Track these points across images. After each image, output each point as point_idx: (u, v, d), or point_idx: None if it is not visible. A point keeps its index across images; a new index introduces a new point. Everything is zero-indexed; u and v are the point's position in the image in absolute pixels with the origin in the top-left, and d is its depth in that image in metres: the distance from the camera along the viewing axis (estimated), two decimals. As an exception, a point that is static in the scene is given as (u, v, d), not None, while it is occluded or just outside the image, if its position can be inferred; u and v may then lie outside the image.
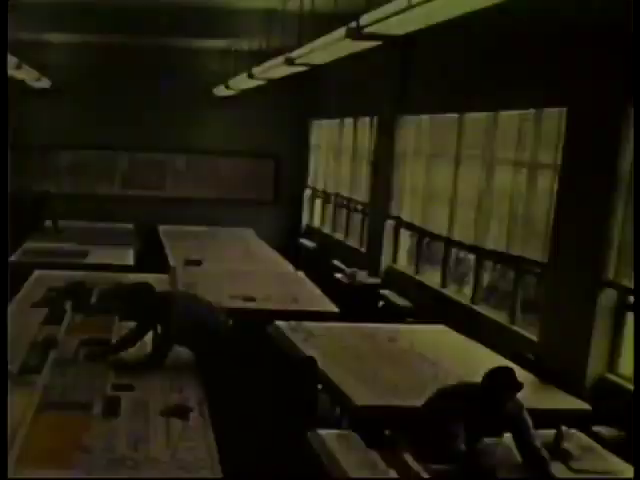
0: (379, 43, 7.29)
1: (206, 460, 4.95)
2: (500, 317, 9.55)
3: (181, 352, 6.95)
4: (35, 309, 8.62)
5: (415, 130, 12.63)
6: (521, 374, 5.86)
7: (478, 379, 5.36)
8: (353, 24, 6.61)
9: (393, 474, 4.99)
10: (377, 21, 6.14)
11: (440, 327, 9.27)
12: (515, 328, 9.12)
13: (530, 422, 5.31)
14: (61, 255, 12.39)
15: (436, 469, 5.07)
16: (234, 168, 18.40)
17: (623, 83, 7.16)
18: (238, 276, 10.91)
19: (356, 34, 6.64)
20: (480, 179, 10.30)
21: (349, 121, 15.85)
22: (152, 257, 13.26)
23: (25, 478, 3.67)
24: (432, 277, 11.78)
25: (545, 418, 5.67)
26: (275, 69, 11.03)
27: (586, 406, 6.76)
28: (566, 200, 8.01)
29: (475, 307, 10.19)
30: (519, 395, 5.26)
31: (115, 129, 17.69)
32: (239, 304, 9.12)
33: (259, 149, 18.34)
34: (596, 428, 6.41)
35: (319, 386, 6.99)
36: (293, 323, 8.50)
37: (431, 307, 11.13)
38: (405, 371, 7.24)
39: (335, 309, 9.54)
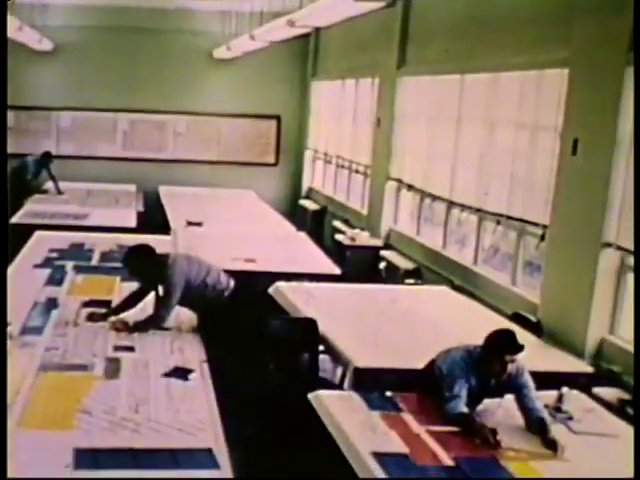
0: (381, 4, 7.18)
1: (207, 422, 4.92)
2: (501, 278, 9.52)
3: (182, 313, 6.93)
4: (36, 270, 8.62)
5: (416, 91, 12.54)
6: (522, 335, 5.81)
7: (479, 340, 5.32)
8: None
9: (394, 436, 4.95)
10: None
11: (441, 288, 9.26)
12: (516, 289, 9.09)
13: (531, 384, 5.28)
14: (62, 217, 12.34)
15: (437, 431, 5.02)
16: (235, 130, 18.30)
17: (623, 44, 7.07)
18: (239, 237, 10.86)
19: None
20: (481, 140, 10.23)
21: (350, 82, 15.74)
22: (153, 219, 13.20)
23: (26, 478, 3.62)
24: (433, 238, 11.73)
25: (546, 380, 5.62)
26: (276, 31, 10.92)
27: (587, 368, 6.74)
28: (567, 161, 7.93)
29: (476, 268, 10.16)
30: (520, 357, 5.20)
31: (116, 91, 17.54)
32: (240, 265, 9.06)
33: (260, 111, 18.20)
34: (597, 390, 6.37)
35: (320, 347, 6.95)
36: (294, 284, 8.47)
37: (433, 268, 11.09)
38: (406, 332, 7.21)
39: (336, 270, 9.53)
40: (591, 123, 7.59)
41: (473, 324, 6.97)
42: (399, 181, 13.00)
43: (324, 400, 5.49)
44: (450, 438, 4.95)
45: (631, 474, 4.33)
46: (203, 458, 4.47)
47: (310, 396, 5.59)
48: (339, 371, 6.67)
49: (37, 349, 6.06)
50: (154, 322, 6.68)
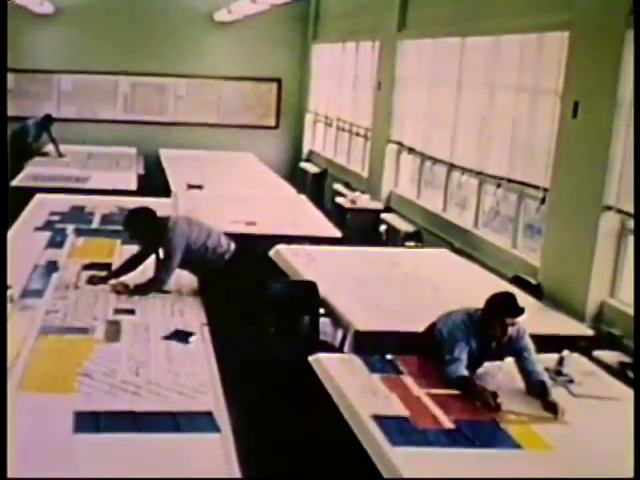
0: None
1: (207, 385, 4.88)
2: (502, 241, 9.49)
3: (183, 276, 6.89)
4: (37, 233, 8.56)
5: (417, 54, 12.44)
6: (523, 298, 5.77)
7: (480, 303, 5.27)
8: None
9: (395, 398, 4.92)
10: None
11: (442, 251, 9.23)
12: (516, 252, 9.06)
13: (532, 347, 5.24)
14: (63, 179, 12.26)
15: (438, 393, 4.99)
16: (236, 93, 18.19)
17: (624, 7, 6.99)
18: (240, 200, 10.80)
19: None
20: (482, 104, 10.16)
21: (351, 45, 15.61)
22: (154, 181, 13.14)
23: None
24: (434, 201, 11.68)
25: (547, 343, 5.58)
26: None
27: (588, 331, 6.70)
28: (568, 124, 7.88)
29: (476, 231, 10.13)
30: (521, 320, 5.16)
31: (117, 54, 17.42)
32: (241, 228, 9.00)
33: (261, 74, 18.08)
34: (597, 353, 6.35)
35: (320, 310, 6.92)
36: (295, 247, 8.42)
37: (433, 231, 11.04)
38: (407, 295, 7.17)
39: (337, 233, 9.48)
40: (591, 86, 7.53)
41: (473, 287, 6.93)
42: (400, 144, 12.96)
43: (324, 363, 5.46)
44: (450, 401, 4.91)
45: (630, 441, 4.29)
46: (203, 421, 4.43)
47: (311, 359, 5.55)
48: (339, 334, 6.64)
49: (37, 312, 6.01)
50: (154, 285, 6.63)
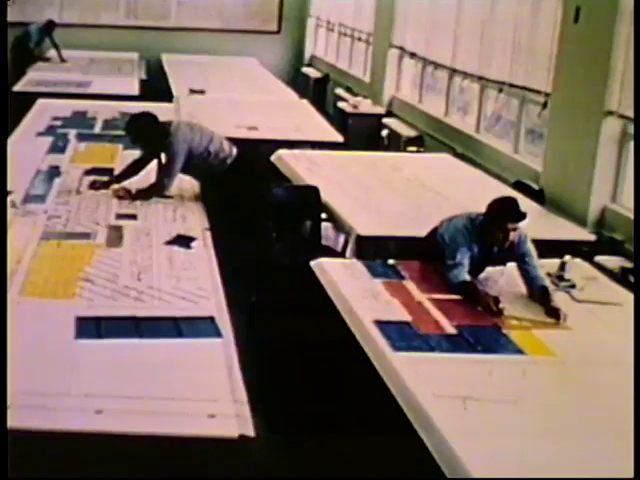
0: None
1: (209, 290, 4.78)
2: (503, 146, 9.35)
3: (184, 181, 6.77)
4: (39, 138, 8.42)
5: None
6: (525, 203, 5.63)
7: (482, 208, 5.14)
8: None
9: (397, 304, 4.83)
10: None
11: (443, 156, 9.11)
12: (518, 157, 8.92)
13: (534, 252, 5.12)
14: (65, 85, 12.03)
15: (440, 298, 4.90)
16: (238, -3, 17.83)
17: None
18: (242, 105, 10.64)
19: None
20: (484, 8, 9.94)
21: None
22: (156, 87, 12.94)
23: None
24: (436, 106, 11.51)
25: (549, 248, 5.48)
26: None
27: (590, 236, 6.60)
28: (569, 29, 7.68)
29: (478, 136, 9.99)
30: (523, 225, 5.04)
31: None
32: (243, 133, 8.85)
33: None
34: (599, 258, 6.25)
35: (322, 215, 6.83)
36: (297, 152, 8.29)
37: (435, 136, 10.90)
38: (409, 200, 7.05)
39: (339, 138, 9.33)
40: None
41: (475, 192, 6.80)
42: (401, 49, 12.75)
43: (326, 268, 5.36)
44: (452, 306, 4.82)
45: (631, 346, 4.22)
46: (205, 326, 4.33)
47: (312, 264, 5.45)
48: (341, 239, 6.58)
49: (39, 217, 5.90)
50: (156, 190, 6.52)
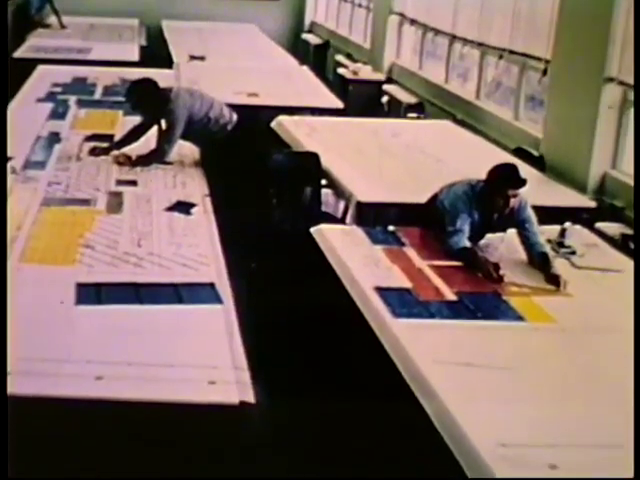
0: None
1: (209, 256, 4.74)
2: (504, 113, 9.29)
3: (185, 147, 6.72)
4: (39, 104, 8.36)
5: None
6: (525, 170, 5.57)
7: (482, 175, 5.09)
8: None
9: (397, 270, 4.79)
10: None
11: (444, 122, 9.05)
12: (519, 124, 8.86)
13: (534, 218, 5.08)
14: (65, 51, 11.97)
15: (440, 265, 4.86)
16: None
17: None
18: (242, 72, 10.57)
19: None
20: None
21: None
22: (156, 53, 12.87)
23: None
24: (436, 73, 11.43)
25: (549, 214, 5.43)
26: None
27: (590, 203, 6.55)
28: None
29: (479, 102, 9.92)
30: (523, 191, 4.99)
31: None
32: (243, 99, 8.77)
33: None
34: (599, 224, 6.21)
35: (322, 181, 6.78)
36: (297, 118, 8.23)
37: (435, 103, 10.83)
38: (409, 167, 6.99)
39: (339, 104, 9.27)
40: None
41: (476, 158, 6.75)
42: (402, 15, 12.65)
43: (326, 234, 5.32)
44: (453, 273, 4.78)
45: (631, 313, 4.18)
46: (206, 292, 4.30)
47: (312, 230, 5.40)
48: (341, 205, 6.53)
49: (40, 183, 5.85)
50: (157, 156, 6.47)
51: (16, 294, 4.02)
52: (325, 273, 4.94)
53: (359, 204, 6.05)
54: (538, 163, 7.38)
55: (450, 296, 4.50)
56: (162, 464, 3.22)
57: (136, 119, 6.88)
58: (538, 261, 4.93)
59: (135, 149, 6.58)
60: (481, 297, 4.51)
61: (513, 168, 5.06)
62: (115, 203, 5.55)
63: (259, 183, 6.58)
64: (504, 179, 4.99)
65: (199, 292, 4.31)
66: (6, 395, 3.16)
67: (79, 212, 5.36)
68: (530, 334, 4.18)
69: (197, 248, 4.85)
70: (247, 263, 5.62)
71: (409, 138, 7.94)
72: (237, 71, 10.62)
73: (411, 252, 5.06)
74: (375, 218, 5.86)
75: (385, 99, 11.93)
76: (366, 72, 12.71)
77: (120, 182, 6.00)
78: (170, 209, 5.50)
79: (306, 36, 17.27)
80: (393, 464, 3.61)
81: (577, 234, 5.42)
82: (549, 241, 5.18)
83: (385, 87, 12.17)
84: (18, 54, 11.61)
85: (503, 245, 5.20)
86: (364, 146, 7.55)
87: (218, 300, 4.22)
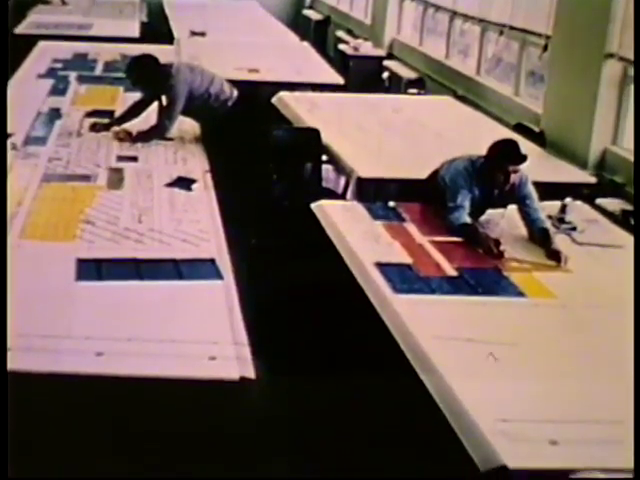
0: None
1: (210, 232, 4.71)
2: (504, 89, 9.24)
3: (185, 123, 6.68)
4: (40, 80, 8.31)
5: None
6: (525, 146, 5.53)
7: (483, 151, 5.05)
8: None
9: (397, 246, 4.76)
10: None
11: (444, 98, 9.01)
12: (519, 100, 8.82)
13: (535, 194, 5.04)
14: (66, 27, 11.90)
15: (441, 241, 4.83)
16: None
17: None
18: (242, 48, 10.47)
19: None
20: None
21: None
22: (157, 29, 12.80)
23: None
24: (436, 49, 11.37)
25: (549, 190, 5.39)
26: None
27: (590, 178, 6.51)
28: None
29: (479, 78, 9.87)
30: (523, 167, 4.95)
31: None
32: (243, 75, 8.71)
33: None
34: (600, 200, 6.18)
35: (323, 157, 6.74)
36: (297, 94, 8.17)
37: (436, 78, 10.77)
38: (410, 142, 6.96)
39: (340, 80, 9.21)
40: None
41: (476, 134, 6.71)
42: (402, -10, 12.57)
43: (327, 210, 5.28)
44: (453, 248, 4.75)
45: (631, 288, 4.16)
46: (206, 268, 4.27)
47: (313, 206, 5.36)
48: (342, 181, 6.50)
49: (40, 159, 5.81)
50: (157, 132, 6.43)
51: (16, 270, 3.98)
52: (325, 249, 4.91)
53: (359, 180, 6.02)
54: (538, 139, 7.34)
55: (451, 272, 4.47)
56: (163, 440, 3.20)
57: (137, 95, 6.83)
58: (539, 237, 4.89)
59: (136, 125, 6.53)
60: (482, 273, 4.48)
61: (514, 144, 5.02)
62: (116, 179, 5.51)
63: (260, 159, 6.55)
64: (505, 155, 4.94)
65: (199, 268, 4.28)
66: (6, 371, 3.14)
67: (79, 188, 5.32)
68: (530, 310, 4.16)
69: (198, 224, 4.82)
70: (247, 239, 5.60)
71: (410, 114, 7.90)
72: (238, 47, 10.54)
73: (411, 228, 5.03)
74: (375, 194, 5.82)
75: (386, 75, 11.88)
76: (367, 48, 12.67)
77: (121, 158, 5.96)
78: (171, 185, 5.46)
79: (307, 12, 17.19)
80: (393, 440, 3.59)
81: (577, 210, 5.38)
82: (550, 217, 5.13)
83: (386, 63, 12.13)
84: (19, 30, 11.56)
85: (504, 221, 5.16)
86: (365, 122, 7.50)
87: (219, 276, 4.19)
